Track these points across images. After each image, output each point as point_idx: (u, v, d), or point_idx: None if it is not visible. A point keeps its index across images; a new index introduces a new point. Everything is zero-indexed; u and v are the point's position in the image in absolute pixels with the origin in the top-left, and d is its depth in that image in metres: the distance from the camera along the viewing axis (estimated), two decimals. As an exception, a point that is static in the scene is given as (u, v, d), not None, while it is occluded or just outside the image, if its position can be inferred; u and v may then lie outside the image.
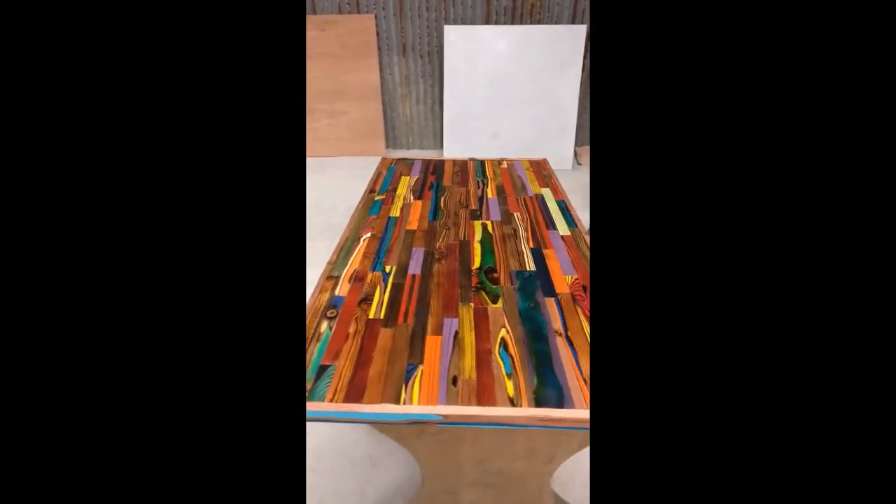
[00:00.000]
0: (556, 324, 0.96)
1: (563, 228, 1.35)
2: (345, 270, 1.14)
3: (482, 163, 1.85)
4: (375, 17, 3.77)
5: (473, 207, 1.48)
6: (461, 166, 1.82)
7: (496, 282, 1.10)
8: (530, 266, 1.16)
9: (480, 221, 1.39)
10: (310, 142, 4.10)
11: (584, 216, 2.97)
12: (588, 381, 0.82)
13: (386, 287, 1.07)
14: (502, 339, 0.92)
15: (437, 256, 1.20)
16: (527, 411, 0.76)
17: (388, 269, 1.15)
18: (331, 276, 1.12)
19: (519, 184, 1.66)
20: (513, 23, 3.78)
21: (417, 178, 1.70)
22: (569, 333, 0.93)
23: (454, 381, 0.81)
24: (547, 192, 1.59)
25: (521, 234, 1.32)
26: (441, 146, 4.24)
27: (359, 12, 3.77)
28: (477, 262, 1.17)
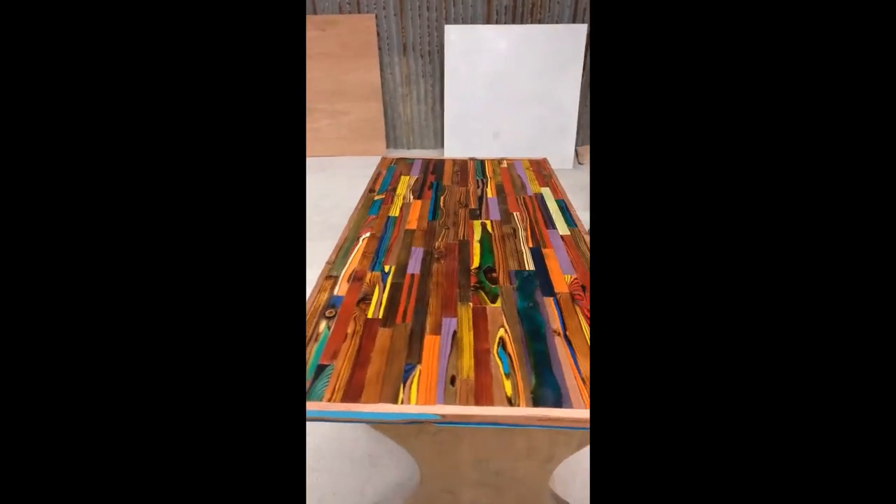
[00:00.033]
0: (555, 323, 0.96)
1: (562, 228, 1.35)
2: (344, 270, 1.14)
3: (482, 162, 1.85)
4: (376, 16, 3.76)
5: (473, 207, 1.48)
6: (461, 166, 1.82)
7: (495, 281, 1.09)
8: (529, 266, 1.16)
9: (480, 221, 1.39)
10: (311, 142, 4.11)
11: (584, 216, 2.97)
12: (586, 381, 0.82)
13: (385, 287, 1.08)
14: (501, 338, 0.92)
15: (436, 256, 1.20)
16: (525, 411, 0.76)
17: (387, 268, 1.15)
18: (330, 276, 1.12)
19: (518, 183, 1.66)
20: (513, 22, 3.77)
21: (417, 178, 1.70)
22: (567, 333, 0.93)
23: (452, 380, 0.81)
24: (546, 192, 1.59)
25: (521, 233, 1.32)
26: (442, 146, 4.24)
27: (359, 12, 3.77)
28: (476, 262, 1.17)
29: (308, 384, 0.81)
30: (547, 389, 0.80)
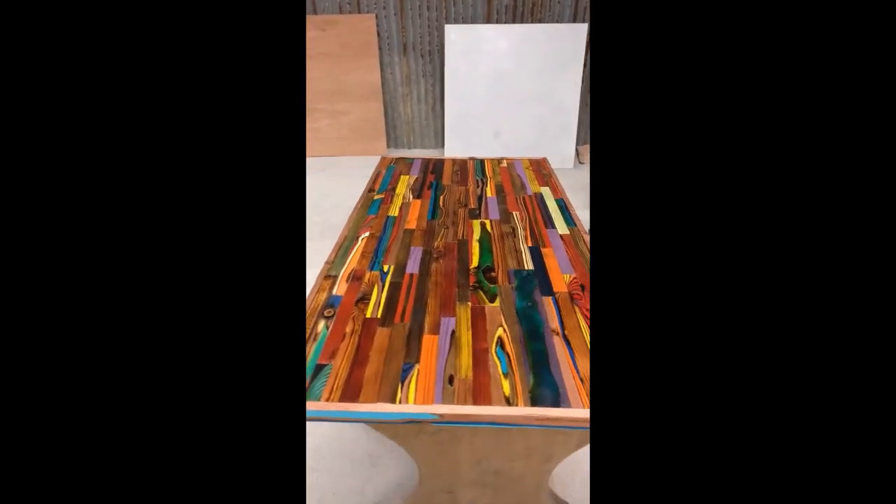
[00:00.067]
0: (554, 323, 0.96)
1: (561, 227, 1.34)
2: (343, 269, 1.14)
3: (482, 162, 1.85)
4: (376, 16, 3.76)
5: (472, 206, 1.48)
6: (461, 165, 1.82)
7: (494, 281, 1.09)
8: (528, 265, 1.16)
9: (479, 220, 1.39)
10: (311, 142, 4.11)
11: (585, 215, 2.97)
12: (585, 381, 0.82)
13: (383, 286, 1.07)
14: (499, 338, 0.91)
15: (435, 255, 1.20)
16: (523, 410, 0.76)
17: (385, 268, 1.15)
18: (329, 276, 1.12)
19: (518, 183, 1.66)
20: (514, 21, 3.77)
21: (417, 178, 1.70)
22: (566, 332, 0.93)
23: (450, 380, 0.81)
24: (546, 191, 1.58)
25: (520, 232, 1.32)
26: (442, 146, 4.24)
27: (359, 12, 3.77)
28: (475, 262, 1.17)
29: (307, 384, 0.81)
30: (545, 389, 0.80)
